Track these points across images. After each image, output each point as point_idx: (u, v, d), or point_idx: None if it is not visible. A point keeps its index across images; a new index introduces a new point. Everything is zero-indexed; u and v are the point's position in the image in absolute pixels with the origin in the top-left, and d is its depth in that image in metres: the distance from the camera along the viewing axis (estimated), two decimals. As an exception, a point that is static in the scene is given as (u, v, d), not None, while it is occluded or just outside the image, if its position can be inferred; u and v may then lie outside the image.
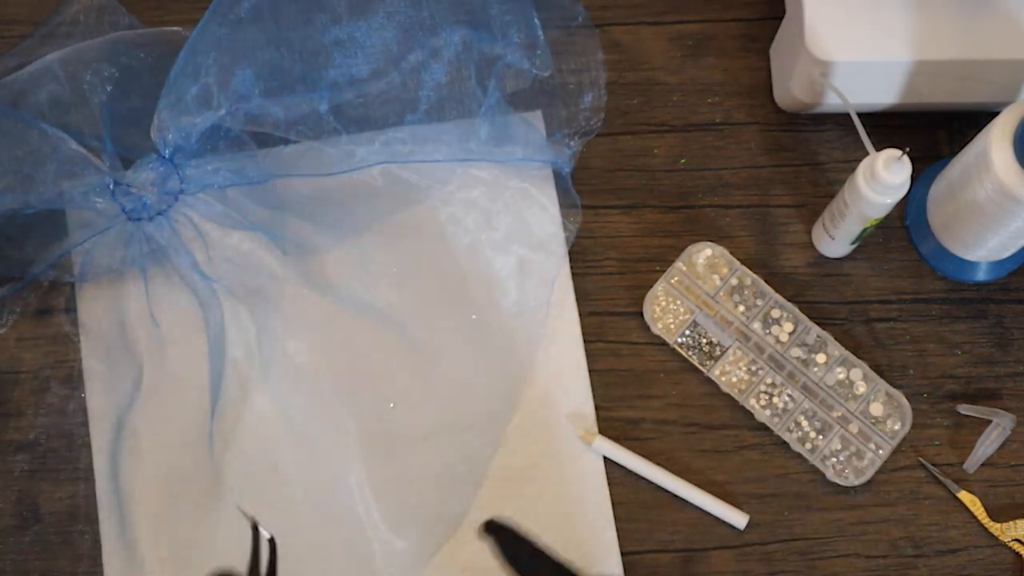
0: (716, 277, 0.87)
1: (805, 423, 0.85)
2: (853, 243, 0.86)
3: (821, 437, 0.85)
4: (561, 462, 0.85)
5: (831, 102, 0.87)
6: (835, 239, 0.85)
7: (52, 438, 0.86)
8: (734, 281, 0.87)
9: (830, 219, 0.85)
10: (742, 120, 0.91)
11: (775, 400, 0.86)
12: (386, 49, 0.86)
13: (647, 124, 0.91)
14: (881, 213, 0.80)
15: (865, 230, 0.83)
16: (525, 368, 0.86)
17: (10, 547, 0.84)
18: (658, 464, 0.85)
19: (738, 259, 0.88)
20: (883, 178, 0.77)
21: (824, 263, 0.89)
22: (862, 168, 0.79)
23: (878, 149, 0.79)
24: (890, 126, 0.90)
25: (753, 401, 0.86)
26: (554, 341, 0.87)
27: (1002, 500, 0.86)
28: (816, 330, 0.86)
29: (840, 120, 0.91)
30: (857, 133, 0.88)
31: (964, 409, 0.86)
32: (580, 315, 0.88)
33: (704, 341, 0.87)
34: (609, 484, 0.85)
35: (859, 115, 0.90)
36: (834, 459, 0.85)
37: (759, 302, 0.87)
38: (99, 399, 0.86)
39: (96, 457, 0.85)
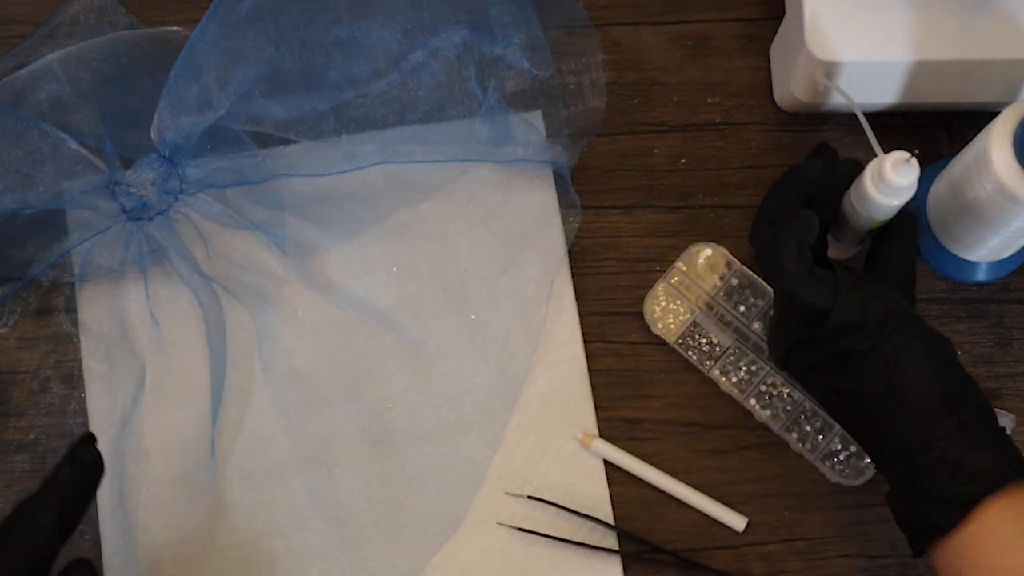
0: (716, 277, 0.87)
1: (805, 423, 0.85)
2: (858, 245, 0.86)
3: (821, 437, 0.85)
4: (561, 462, 0.85)
5: (831, 102, 0.87)
6: (840, 241, 0.85)
7: (52, 438, 0.86)
8: (734, 281, 0.87)
9: (835, 223, 0.84)
10: (742, 120, 0.91)
11: (775, 400, 0.86)
12: (386, 49, 0.86)
13: (647, 124, 0.91)
14: (888, 215, 0.80)
15: (871, 232, 0.83)
16: (525, 368, 0.86)
17: (10, 547, 0.84)
18: (658, 465, 0.85)
19: (738, 259, 0.88)
20: (891, 180, 0.77)
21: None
22: (870, 170, 0.78)
23: (872, 153, 0.79)
24: (890, 126, 0.90)
25: (753, 401, 0.86)
26: (554, 341, 0.87)
27: (1002, 500, 0.86)
28: (816, 330, 0.86)
29: (841, 120, 0.91)
30: (859, 133, 0.88)
31: (964, 409, 0.86)
32: (580, 315, 0.88)
33: (704, 341, 0.87)
34: (609, 484, 0.85)
35: (859, 115, 0.90)
36: (834, 459, 0.85)
37: (759, 302, 0.87)
38: (99, 399, 0.86)
39: (95, 457, 0.85)
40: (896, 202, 0.78)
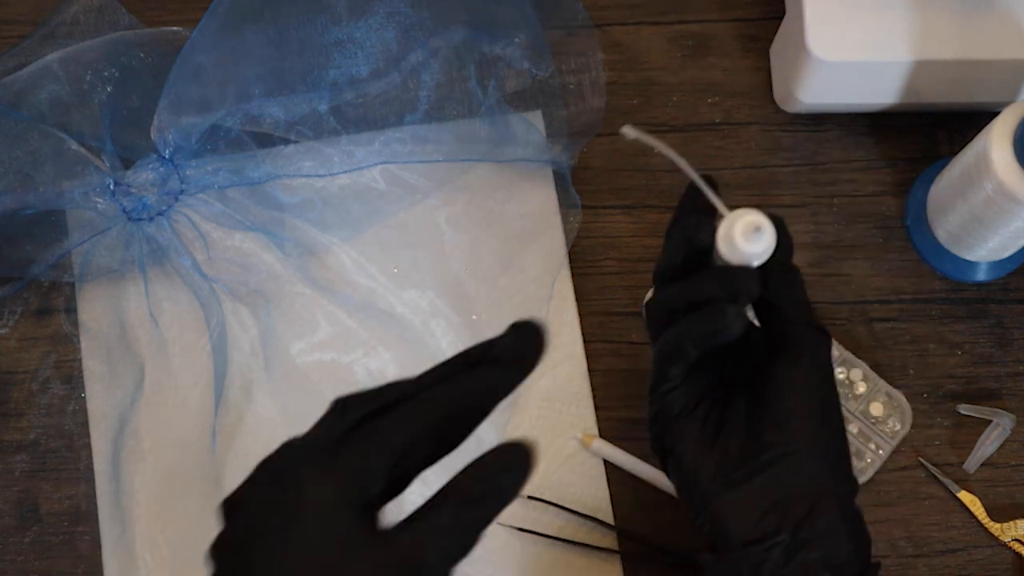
0: (716, 277, 0.87)
1: (805, 423, 0.85)
2: None
3: (821, 437, 0.85)
4: (561, 462, 0.85)
5: (831, 102, 0.87)
6: None
7: (52, 438, 0.86)
8: (734, 281, 0.87)
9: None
10: (742, 120, 0.91)
11: (775, 400, 0.85)
12: (386, 49, 0.86)
13: (647, 124, 0.91)
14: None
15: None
16: (526, 369, 0.86)
17: (10, 548, 0.84)
18: (657, 463, 0.85)
19: (738, 259, 0.88)
20: (741, 247, 0.66)
21: (824, 263, 0.88)
22: (721, 231, 0.67)
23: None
24: (890, 126, 0.90)
25: (753, 401, 0.85)
26: (554, 341, 0.87)
27: (1002, 500, 0.86)
28: (816, 330, 0.86)
29: (840, 120, 0.91)
30: (860, 133, 0.89)
31: (964, 409, 0.86)
32: (580, 315, 0.88)
33: (704, 341, 0.86)
34: (609, 484, 0.85)
35: (859, 115, 0.90)
36: (834, 459, 0.85)
37: (759, 302, 0.87)
38: (99, 400, 0.85)
39: (96, 458, 0.85)
40: (755, 264, 0.68)
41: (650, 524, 0.84)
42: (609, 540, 0.84)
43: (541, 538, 0.84)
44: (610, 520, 0.84)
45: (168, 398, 0.85)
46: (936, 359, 0.87)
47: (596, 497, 0.85)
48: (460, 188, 0.89)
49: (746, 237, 0.66)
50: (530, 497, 0.84)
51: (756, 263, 0.68)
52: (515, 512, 0.84)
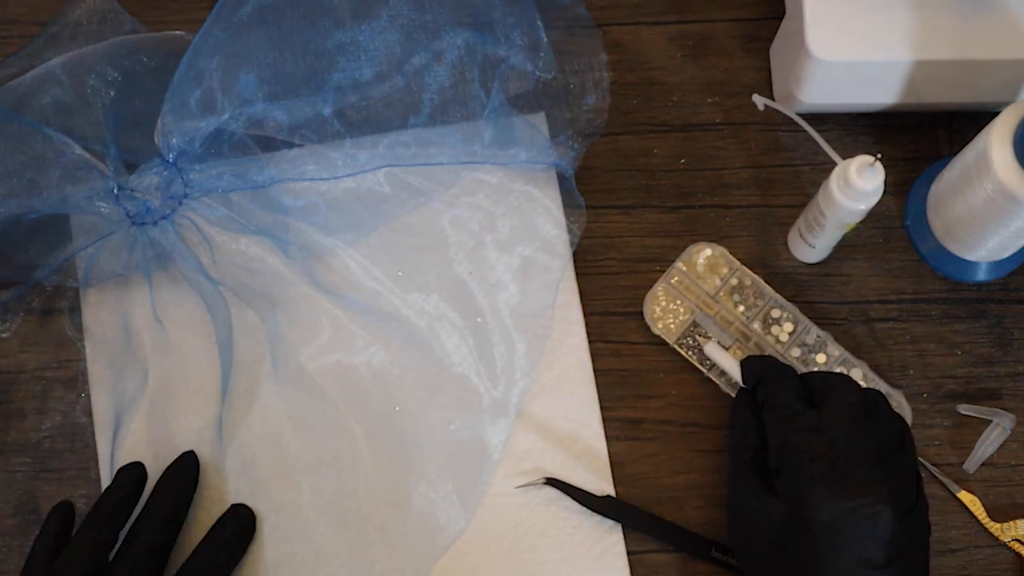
0: (716, 277, 0.87)
1: (806, 423, 0.86)
2: (829, 249, 0.86)
3: (822, 437, 0.85)
4: (567, 464, 0.85)
5: (831, 102, 0.87)
6: (816, 247, 0.85)
7: (56, 440, 0.85)
8: (734, 281, 0.87)
9: (807, 229, 0.84)
10: (742, 120, 0.91)
11: (775, 400, 0.86)
12: (389, 52, 0.86)
13: (647, 124, 0.91)
14: (857, 219, 0.80)
15: (845, 235, 0.83)
16: (531, 371, 0.86)
17: (13, 549, 0.84)
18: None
19: (738, 259, 0.88)
20: (856, 184, 0.77)
21: (825, 263, 0.89)
22: (835, 176, 0.79)
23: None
24: (890, 126, 0.91)
25: (754, 401, 0.86)
26: (560, 343, 0.87)
27: (1002, 500, 0.86)
28: (816, 330, 0.86)
29: (840, 120, 0.91)
30: (859, 133, 0.89)
31: (964, 409, 0.86)
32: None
33: (704, 341, 0.87)
34: (615, 485, 0.85)
35: (859, 115, 0.91)
36: (835, 459, 0.85)
37: (759, 302, 0.87)
38: (103, 403, 0.85)
39: (101, 462, 0.85)
40: (863, 206, 0.79)
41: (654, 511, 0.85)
42: (617, 545, 0.84)
43: (546, 544, 0.83)
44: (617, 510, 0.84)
45: (173, 402, 0.85)
46: (936, 359, 0.88)
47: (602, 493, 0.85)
48: (464, 191, 0.89)
49: (861, 175, 0.77)
50: (547, 480, 0.84)
51: (867, 203, 0.78)
52: (521, 517, 0.84)
